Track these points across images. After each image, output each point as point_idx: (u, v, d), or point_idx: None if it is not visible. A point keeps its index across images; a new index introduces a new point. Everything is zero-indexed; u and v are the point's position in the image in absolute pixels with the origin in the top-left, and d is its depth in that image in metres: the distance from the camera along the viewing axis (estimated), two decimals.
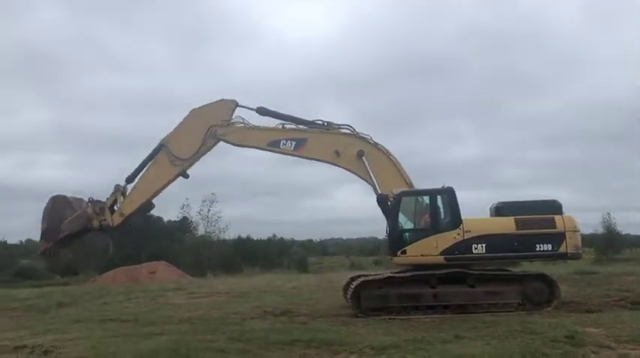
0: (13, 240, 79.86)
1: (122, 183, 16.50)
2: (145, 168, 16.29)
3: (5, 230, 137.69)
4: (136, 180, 16.44)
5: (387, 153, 14.48)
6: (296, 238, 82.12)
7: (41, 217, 16.63)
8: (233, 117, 15.65)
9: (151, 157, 16.20)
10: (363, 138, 14.67)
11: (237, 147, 15.78)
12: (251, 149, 15.73)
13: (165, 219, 59.07)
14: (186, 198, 49.56)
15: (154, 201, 16.73)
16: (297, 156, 15.11)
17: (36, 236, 18.00)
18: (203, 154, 15.87)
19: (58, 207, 16.55)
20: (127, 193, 16.41)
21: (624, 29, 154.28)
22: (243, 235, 64.00)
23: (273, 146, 15.12)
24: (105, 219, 16.06)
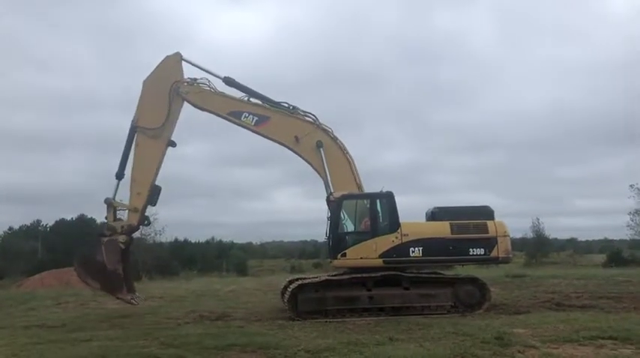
0: None
1: (105, 196, 15.36)
2: (132, 157, 15.28)
3: None
4: (128, 172, 15.37)
5: (344, 151, 14.44)
6: (236, 241, 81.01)
7: (85, 281, 15.31)
8: (199, 78, 15.05)
9: (129, 144, 15.28)
10: (324, 130, 14.58)
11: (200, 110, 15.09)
12: (211, 115, 15.05)
13: (99, 220, 56.87)
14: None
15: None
16: (257, 132, 14.76)
17: None
18: (176, 115, 15.11)
19: (89, 258, 15.24)
20: (130, 189, 15.21)
21: (534, 49, 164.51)
22: (180, 238, 62.60)
23: (235, 116, 14.76)
24: (122, 227, 14.85)
